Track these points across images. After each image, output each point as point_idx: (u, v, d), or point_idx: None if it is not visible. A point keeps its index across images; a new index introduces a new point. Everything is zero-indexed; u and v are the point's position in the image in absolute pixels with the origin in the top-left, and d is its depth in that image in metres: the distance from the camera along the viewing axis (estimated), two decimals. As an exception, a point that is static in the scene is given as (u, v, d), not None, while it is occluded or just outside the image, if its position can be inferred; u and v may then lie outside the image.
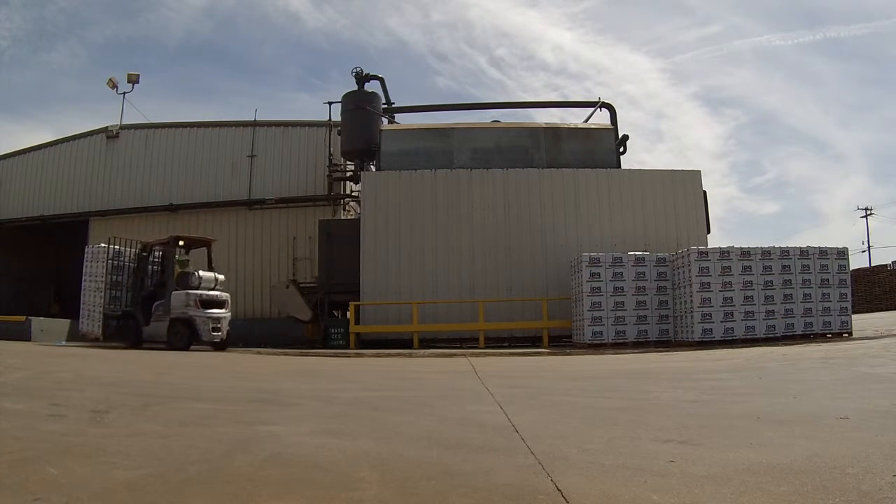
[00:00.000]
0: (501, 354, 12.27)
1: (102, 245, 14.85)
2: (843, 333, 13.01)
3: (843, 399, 4.39)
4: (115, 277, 14.54)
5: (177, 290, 13.39)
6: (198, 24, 74.83)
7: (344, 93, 19.10)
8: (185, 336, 13.04)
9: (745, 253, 13.04)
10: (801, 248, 13.36)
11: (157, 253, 14.58)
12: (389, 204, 16.22)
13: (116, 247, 14.78)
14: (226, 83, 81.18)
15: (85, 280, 14.90)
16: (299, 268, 18.62)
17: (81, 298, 14.77)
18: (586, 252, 14.21)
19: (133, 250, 14.87)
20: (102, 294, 14.28)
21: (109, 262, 14.48)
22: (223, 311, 13.78)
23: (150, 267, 14.48)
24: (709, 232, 16.87)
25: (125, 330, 13.77)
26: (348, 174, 19.31)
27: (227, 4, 73.27)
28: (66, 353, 10.61)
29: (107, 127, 20.63)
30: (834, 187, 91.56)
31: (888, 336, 11.95)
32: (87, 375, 6.68)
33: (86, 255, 15.01)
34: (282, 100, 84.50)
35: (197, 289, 13.45)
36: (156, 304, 13.57)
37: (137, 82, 21.52)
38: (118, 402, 4.53)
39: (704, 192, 16.96)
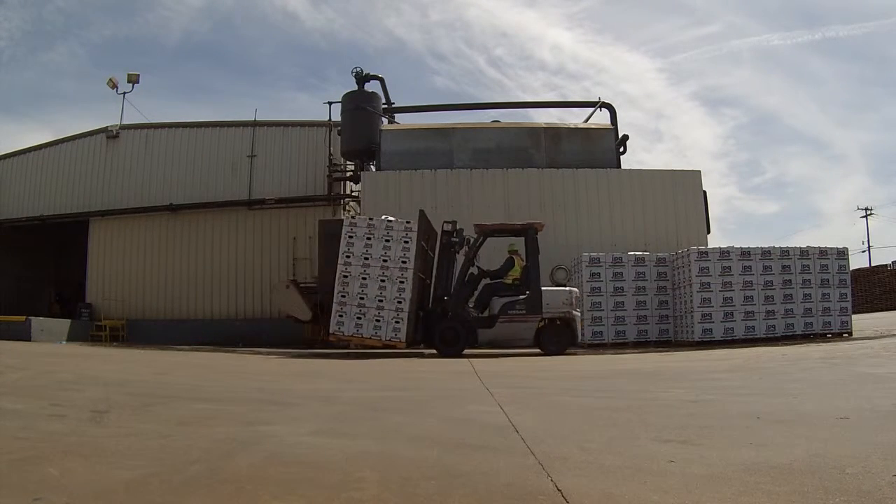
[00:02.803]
0: (501, 355, 12.25)
1: (389, 218, 11.49)
2: (843, 333, 13.02)
3: (843, 399, 4.38)
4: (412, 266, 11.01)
5: (546, 286, 11.37)
6: (196, 24, 74.87)
7: (342, 93, 19.16)
8: (565, 339, 11.17)
9: (745, 253, 13.05)
10: (801, 248, 13.38)
11: (465, 240, 11.55)
12: (389, 204, 16.21)
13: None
14: (225, 83, 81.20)
15: (348, 264, 11.15)
16: (299, 268, 18.62)
17: (338, 289, 11.16)
18: (586, 252, 14.21)
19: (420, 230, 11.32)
20: (408, 287, 10.91)
21: (420, 244, 11.11)
22: None
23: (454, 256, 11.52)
24: (709, 232, 16.92)
25: (448, 334, 11.02)
26: (348, 174, 19.33)
27: (226, 4, 73.35)
28: (66, 353, 10.62)
29: (107, 127, 20.63)
30: (834, 187, 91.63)
31: (888, 336, 11.95)
32: (88, 375, 6.68)
33: (350, 229, 11.37)
34: (280, 100, 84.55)
35: (566, 285, 11.63)
36: (505, 301, 11.11)
37: (137, 82, 21.52)
38: (118, 402, 4.53)
39: (704, 192, 17.00)
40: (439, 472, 2.52)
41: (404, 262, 10.98)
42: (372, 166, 18.21)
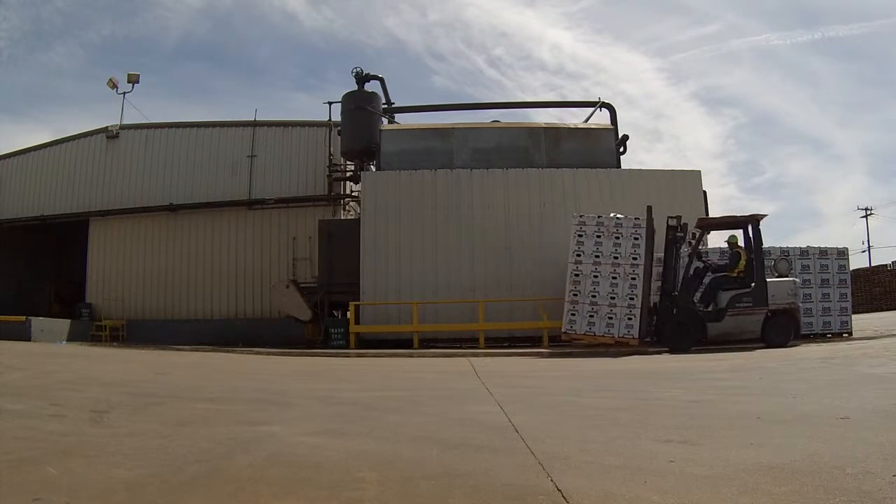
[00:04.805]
0: (501, 355, 12.26)
1: (618, 215, 11.71)
2: (843, 333, 13.01)
3: (843, 399, 4.39)
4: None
5: (772, 278, 11.26)
6: (195, 24, 74.84)
7: (342, 93, 19.11)
8: (789, 330, 10.97)
9: (745, 253, 13.01)
10: (800, 247, 13.37)
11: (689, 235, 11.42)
12: (389, 204, 16.21)
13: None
14: (224, 83, 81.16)
15: (578, 262, 11.38)
16: (299, 268, 18.62)
17: (569, 287, 11.31)
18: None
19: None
20: (640, 284, 10.94)
21: (649, 240, 11.10)
22: None
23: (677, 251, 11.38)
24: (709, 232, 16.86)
25: (679, 330, 10.86)
26: (348, 174, 19.32)
27: (225, 4, 73.26)
28: (66, 353, 10.63)
29: (107, 127, 20.63)
30: (834, 187, 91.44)
31: (888, 336, 11.95)
32: (87, 375, 6.69)
33: (580, 227, 11.63)
34: (279, 100, 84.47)
35: (788, 276, 11.51)
36: (732, 294, 10.97)
37: (137, 82, 21.54)
38: (118, 402, 4.54)
39: (704, 192, 16.97)
40: (439, 472, 2.52)
41: (635, 259, 11.06)
42: (372, 166, 18.19)
